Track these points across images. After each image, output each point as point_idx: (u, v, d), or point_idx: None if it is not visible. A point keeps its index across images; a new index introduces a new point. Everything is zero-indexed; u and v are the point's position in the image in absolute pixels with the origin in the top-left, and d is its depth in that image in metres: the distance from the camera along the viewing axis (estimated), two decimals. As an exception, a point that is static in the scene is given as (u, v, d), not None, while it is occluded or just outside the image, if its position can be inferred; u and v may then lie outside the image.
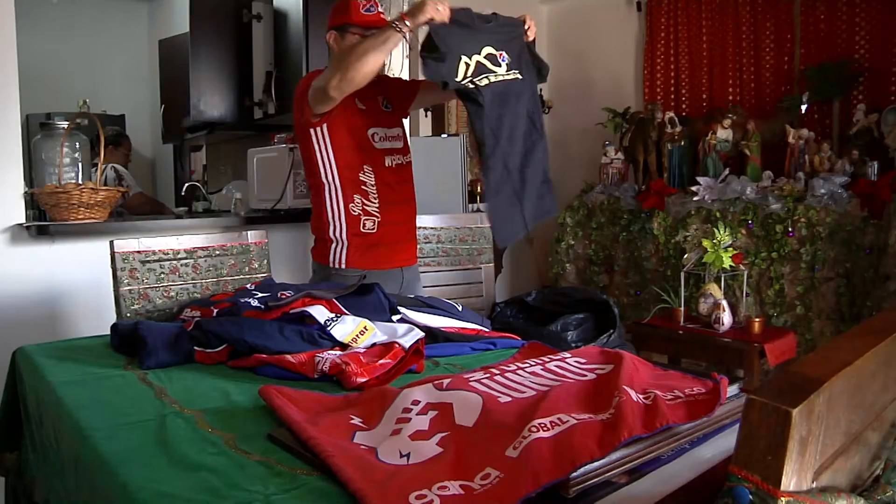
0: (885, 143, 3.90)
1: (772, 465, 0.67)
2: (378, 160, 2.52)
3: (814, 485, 0.76)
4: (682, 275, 3.60)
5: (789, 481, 0.68)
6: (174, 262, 2.48)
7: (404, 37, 2.22)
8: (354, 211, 2.50)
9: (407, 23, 2.18)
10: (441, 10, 2.19)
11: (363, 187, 2.50)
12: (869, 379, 0.89)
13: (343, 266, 2.52)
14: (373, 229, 2.52)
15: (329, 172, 2.50)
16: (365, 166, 2.50)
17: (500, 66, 2.36)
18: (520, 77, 2.38)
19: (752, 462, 0.68)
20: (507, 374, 1.41)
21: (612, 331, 2.93)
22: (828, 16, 4.38)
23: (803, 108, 4.24)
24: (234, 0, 4.58)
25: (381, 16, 2.46)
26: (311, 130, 2.47)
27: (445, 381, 1.34)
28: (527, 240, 5.55)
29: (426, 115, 5.14)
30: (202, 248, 2.55)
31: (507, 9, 5.67)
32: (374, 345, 1.78)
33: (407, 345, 1.72)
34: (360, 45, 2.26)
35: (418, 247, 2.86)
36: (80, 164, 3.18)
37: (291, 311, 1.88)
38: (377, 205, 2.51)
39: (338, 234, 2.51)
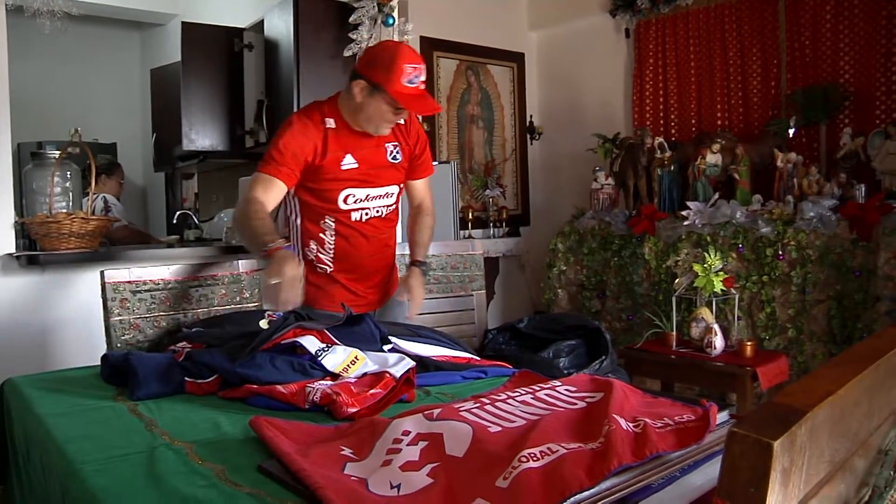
0: (871, 165, 3.94)
1: (754, 497, 0.67)
2: (344, 216, 2.40)
3: (799, 514, 0.77)
4: (674, 299, 3.61)
5: (773, 512, 0.69)
6: (165, 291, 2.47)
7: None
8: (308, 256, 2.44)
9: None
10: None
11: (321, 235, 2.42)
12: (853, 407, 0.89)
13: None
14: (323, 272, 2.45)
15: (292, 212, 2.46)
16: (326, 218, 2.40)
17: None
18: None
19: (736, 494, 0.69)
20: (497, 404, 1.41)
21: (604, 357, 2.93)
22: (813, 41, 4.44)
23: (791, 131, 4.29)
24: (225, 30, 4.62)
25: (421, 87, 2.27)
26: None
27: (436, 412, 1.34)
28: (519, 266, 5.56)
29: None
30: (193, 278, 2.55)
31: (497, 37, 5.72)
32: (365, 374, 1.78)
33: (398, 374, 1.72)
34: (250, 227, 2.18)
35: None
36: (70, 194, 3.18)
37: (283, 342, 1.88)
38: (332, 255, 2.43)
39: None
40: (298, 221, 2.45)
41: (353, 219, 2.41)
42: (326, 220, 2.41)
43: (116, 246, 4.37)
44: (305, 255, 2.44)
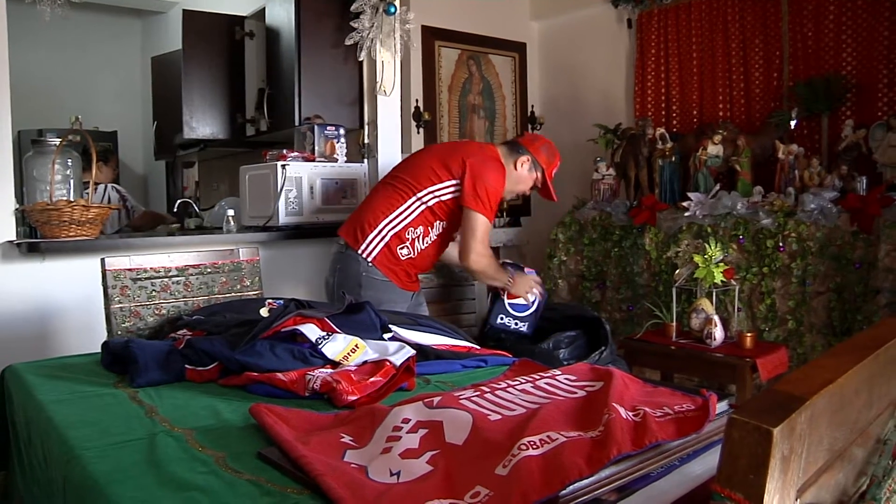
0: (873, 158, 3.93)
1: (754, 483, 0.67)
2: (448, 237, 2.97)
3: (797, 502, 0.77)
4: (674, 290, 3.61)
5: (772, 499, 0.69)
6: (165, 279, 2.48)
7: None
8: (408, 235, 2.83)
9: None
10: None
11: (429, 228, 2.87)
12: (852, 396, 0.89)
13: (369, 259, 2.82)
14: (408, 256, 2.85)
15: (424, 201, 2.83)
16: (438, 223, 2.88)
17: None
18: None
19: (735, 480, 0.69)
20: (497, 392, 1.41)
21: (603, 348, 2.93)
22: (815, 32, 4.42)
23: (793, 123, 4.27)
24: (226, 17, 4.61)
25: (551, 181, 3.03)
26: (451, 189, 2.83)
27: (436, 399, 1.34)
28: (519, 256, 5.56)
29: (418, 132, 5.16)
30: (193, 266, 2.55)
31: (499, 27, 5.71)
32: (365, 363, 1.78)
33: (398, 362, 1.72)
34: (492, 275, 2.93)
35: None
36: (71, 181, 3.18)
37: (283, 330, 1.88)
38: (420, 248, 2.86)
39: (384, 231, 2.81)
40: (418, 210, 2.83)
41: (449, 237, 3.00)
42: (435, 227, 2.89)
43: (131, 232, 4.40)
44: (404, 233, 2.83)
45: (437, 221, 2.87)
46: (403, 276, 2.88)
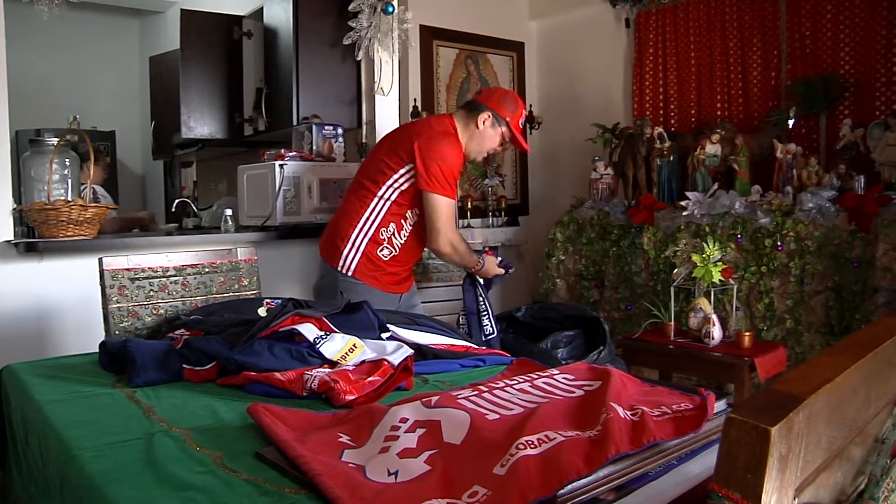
0: (871, 157, 3.93)
1: (752, 482, 0.67)
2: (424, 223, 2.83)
3: (795, 502, 0.77)
4: (672, 289, 3.61)
5: (770, 499, 0.69)
6: (163, 279, 2.47)
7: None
8: (383, 235, 2.77)
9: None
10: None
11: (402, 220, 2.80)
12: (850, 395, 0.89)
13: (349, 273, 2.77)
14: (391, 256, 2.80)
15: (386, 197, 2.76)
16: (409, 213, 2.80)
17: None
18: None
19: (733, 480, 0.69)
20: (495, 392, 1.41)
21: (602, 348, 2.93)
22: (813, 31, 4.42)
23: (791, 122, 4.27)
24: (224, 17, 4.60)
25: (519, 132, 2.89)
26: (406, 177, 2.75)
27: (433, 399, 1.34)
28: (517, 255, 5.56)
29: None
30: (191, 266, 2.55)
31: (497, 26, 5.70)
32: (363, 362, 1.78)
33: (396, 362, 1.72)
34: (463, 253, 2.84)
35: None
36: (69, 181, 3.17)
37: (281, 330, 1.88)
38: (401, 244, 2.81)
39: (357, 241, 2.76)
40: (385, 206, 2.77)
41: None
42: (410, 216, 2.81)
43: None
44: (378, 235, 2.77)
45: (407, 211, 2.79)
46: (387, 280, 2.84)
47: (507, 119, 2.82)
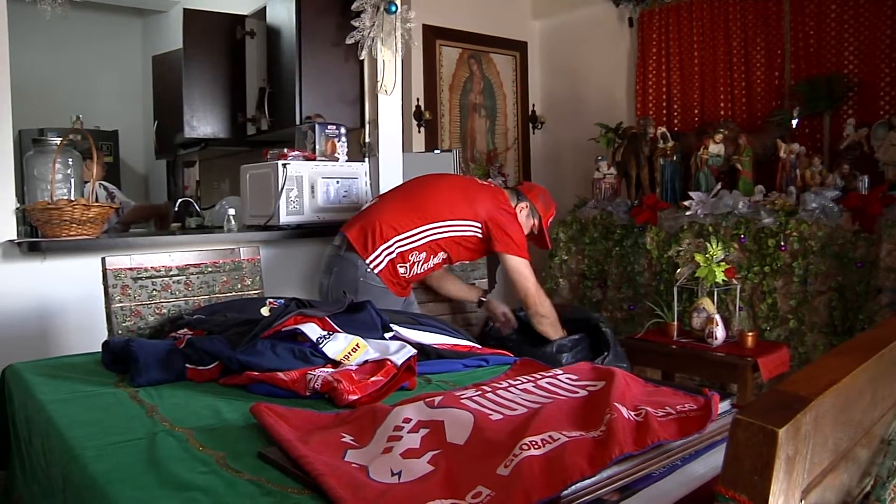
0: (874, 157, 3.92)
1: (759, 484, 0.67)
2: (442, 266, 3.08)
3: (802, 503, 0.76)
4: (675, 289, 3.60)
5: (776, 500, 0.68)
6: (166, 279, 2.47)
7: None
8: (411, 258, 2.90)
9: None
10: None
11: (431, 256, 2.94)
12: (857, 396, 0.89)
13: (375, 271, 2.86)
14: (404, 275, 2.92)
15: (437, 232, 2.90)
16: (441, 254, 2.96)
17: None
18: None
19: (739, 482, 0.68)
20: (498, 392, 1.41)
21: (606, 353, 2.93)
22: (817, 31, 4.41)
23: (794, 122, 4.26)
24: (227, 17, 4.60)
25: (546, 226, 3.19)
26: (467, 230, 2.94)
27: (437, 399, 1.34)
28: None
29: (419, 131, 5.15)
30: (194, 265, 2.55)
31: (500, 26, 5.69)
32: (366, 362, 1.77)
33: (399, 362, 1.72)
34: (554, 318, 3.04)
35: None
36: (72, 181, 3.17)
37: (284, 329, 1.87)
38: (417, 272, 2.95)
39: (392, 247, 2.86)
40: (422, 241, 2.90)
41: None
42: (434, 259, 2.97)
43: (129, 229, 4.39)
44: (408, 255, 2.89)
45: (441, 252, 2.95)
46: (397, 288, 2.94)
47: (541, 214, 3.13)
